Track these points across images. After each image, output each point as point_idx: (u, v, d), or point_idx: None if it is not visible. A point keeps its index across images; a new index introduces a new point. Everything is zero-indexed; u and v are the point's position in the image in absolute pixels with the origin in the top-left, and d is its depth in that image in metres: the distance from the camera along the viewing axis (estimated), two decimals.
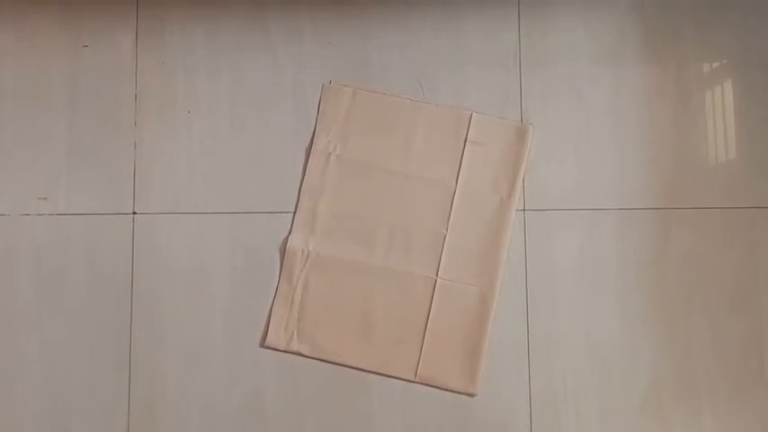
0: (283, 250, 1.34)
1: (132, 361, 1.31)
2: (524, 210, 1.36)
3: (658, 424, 1.32)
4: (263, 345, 1.32)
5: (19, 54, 1.38)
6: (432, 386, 1.30)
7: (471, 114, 1.36)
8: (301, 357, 1.32)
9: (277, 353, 1.32)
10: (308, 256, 1.33)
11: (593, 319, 1.34)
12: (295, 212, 1.35)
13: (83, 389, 1.31)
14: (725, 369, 1.33)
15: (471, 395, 1.30)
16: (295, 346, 1.32)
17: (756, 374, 1.33)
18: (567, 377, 1.32)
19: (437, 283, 1.32)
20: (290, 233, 1.34)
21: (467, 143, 1.36)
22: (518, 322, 1.33)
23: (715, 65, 1.40)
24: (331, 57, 1.38)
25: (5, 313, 1.32)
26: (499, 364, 1.32)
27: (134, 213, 1.34)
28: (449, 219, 1.34)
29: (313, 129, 1.37)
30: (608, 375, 1.33)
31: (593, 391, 1.32)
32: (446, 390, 1.30)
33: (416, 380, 1.30)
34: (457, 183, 1.35)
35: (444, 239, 1.33)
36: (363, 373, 1.30)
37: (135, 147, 1.36)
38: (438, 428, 1.29)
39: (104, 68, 1.37)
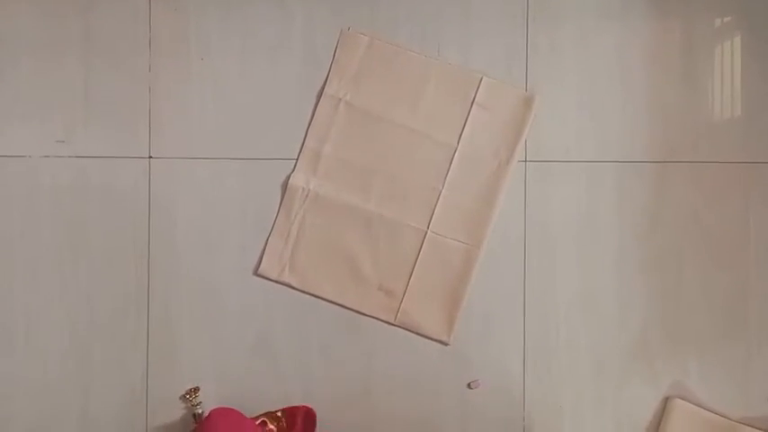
0: (285, 186, 1.39)
1: (150, 299, 1.38)
2: (526, 161, 1.39)
3: (647, 371, 1.39)
4: (255, 273, 1.38)
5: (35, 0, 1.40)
6: (409, 330, 1.37)
7: (482, 78, 1.39)
8: (313, 298, 1.38)
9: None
10: (307, 194, 1.39)
11: (587, 268, 1.39)
12: (300, 152, 1.39)
13: (104, 328, 1.38)
14: (711, 319, 1.39)
15: (445, 344, 1.37)
16: (285, 278, 1.38)
17: (741, 324, 1.39)
18: (561, 325, 1.39)
19: (427, 235, 1.37)
20: (293, 170, 1.39)
21: (473, 105, 1.39)
22: (515, 271, 1.39)
23: (722, 21, 1.41)
24: (341, 5, 1.40)
25: (29, 252, 1.38)
26: (495, 311, 1.38)
27: (150, 157, 1.39)
28: (446, 176, 1.38)
29: (325, 76, 1.39)
30: (600, 324, 1.39)
31: (585, 338, 1.39)
32: (422, 335, 1.37)
33: (395, 323, 1.37)
34: (459, 142, 1.38)
35: (439, 195, 1.38)
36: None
37: (150, 92, 1.39)
38: (435, 373, 1.37)
39: (119, 14, 1.39)
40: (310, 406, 1.33)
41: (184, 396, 1.36)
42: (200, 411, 1.34)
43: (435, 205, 1.37)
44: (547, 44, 1.40)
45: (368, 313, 1.37)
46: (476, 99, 1.38)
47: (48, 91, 1.39)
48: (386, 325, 1.37)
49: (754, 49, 1.39)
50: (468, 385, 1.36)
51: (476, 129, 1.38)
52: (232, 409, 1.30)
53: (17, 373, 1.37)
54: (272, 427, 1.30)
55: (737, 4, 1.40)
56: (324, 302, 1.38)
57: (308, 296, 1.38)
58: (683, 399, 1.36)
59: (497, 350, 1.38)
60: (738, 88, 1.39)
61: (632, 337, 1.38)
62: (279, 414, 1.32)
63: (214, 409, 1.28)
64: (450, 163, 1.38)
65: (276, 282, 1.38)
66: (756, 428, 1.34)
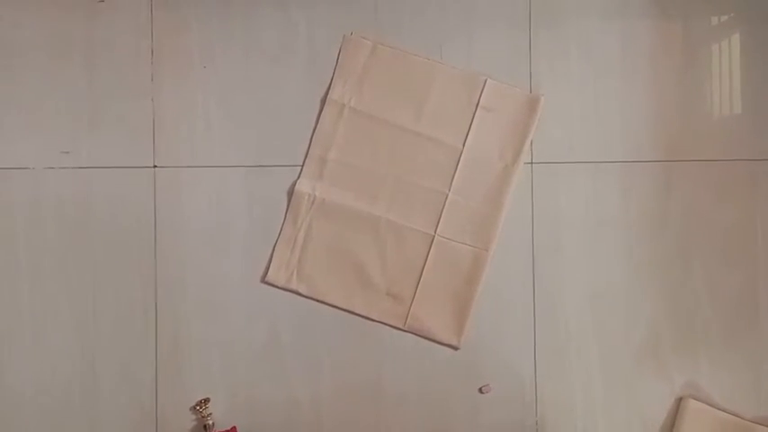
0: (291, 193, 1.38)
1: (158, 306, 1.37)
2: (532, 162, 1.39)
3: (656, 368, 1.38)
4: (263, 280, 1.38)
5: (38, 10, 1.39)
6: (418, 335, 1.37)
7: (486, 80, 1.38)
8: (321, 305, 1.37)
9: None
10: (313, 201, 1.38)
11: (595, 268, 1.39)
12: (305, 158, 1.39)
13: (111, 340, 1.37)
14: (720, 317, 1.39)
15: (455, 348, 1.37)
16: (293, 285, 1.38)
17: (750, 322, 1.39)
18: (571, 327, 1.39)
19: (435, 239, 1.37)
20: (298, 177, 1.38)
21: (478, 108, 1.38)
22: (524, 273, 1.39)
23: (722, 19, 1.41)
24: (343, 11, 1.40)
25: (34, 266, 1.37)
26: (505, 314, 1.38)
27: (154, 167, 1.38)
28: (452, 180, 1.37)
29: (329, 81, 1.39)
30: (609, 322, 1.39)
31: (596, 339, 1.39)
32: (432, 340, 1.36)
33: (405, 328, 1.36)
34: (464, 146, 1.38)
35: (446, 199, 1.37)
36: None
37: (153, 101, 1.39)
38: (446, 379, 1.37)
39: (120, 24, 1.39)
40: None
41: (195, 407, 1.35)
42: (210, 422, 1.33)
43: (442, 209, 1.37)
44: (550, 45, 1.40)
45: (377, 319, 1.36)
46: (480, 101, 1.38)
47: (51, 102, 1.38)
48: (395, 330, 1.36)
49: (754, 46, 1.40)
50: (480, 390, 1.35)
51: (481, 131, 1.38)
52: None
53: (25, 385, 1.36)
54: None
55: (737, 3, 1.40)
56: (332, 309, 1.37)
57: (316, 303, 1.37)
58: (695, 399, 1.35)
59: (508, 353, 1.37)
60: (739, 85, 1.40)
61: (643, 337, 1.38)
62: None
63: None
64: (456, 166, 1.37)
65: (284, 289, 1.38)
66: None
